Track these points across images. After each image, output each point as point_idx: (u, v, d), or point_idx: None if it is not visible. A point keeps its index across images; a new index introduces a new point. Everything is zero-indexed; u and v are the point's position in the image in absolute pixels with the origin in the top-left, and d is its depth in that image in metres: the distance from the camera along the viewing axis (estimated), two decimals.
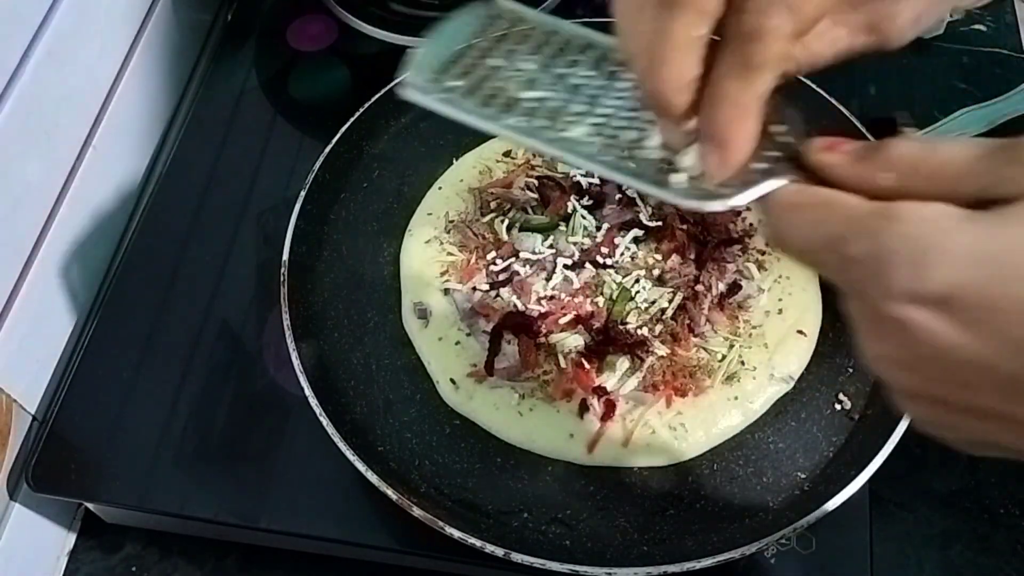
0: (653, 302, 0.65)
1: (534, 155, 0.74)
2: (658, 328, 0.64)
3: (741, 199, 0.37)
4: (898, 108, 0.82)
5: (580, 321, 0.64)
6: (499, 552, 0.54)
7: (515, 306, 0.65)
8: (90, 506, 0.68)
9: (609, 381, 0.63)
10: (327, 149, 0.71)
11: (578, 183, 0.71)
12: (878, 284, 0.32)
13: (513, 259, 0.67)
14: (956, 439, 0.35)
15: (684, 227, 0.68)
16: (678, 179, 0.38)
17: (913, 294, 0.31)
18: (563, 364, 0.63)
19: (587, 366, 0.63)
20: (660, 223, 0.68)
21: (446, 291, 0.68)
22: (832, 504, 0.55)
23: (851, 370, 0.64)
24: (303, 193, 0.69)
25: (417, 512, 0.55)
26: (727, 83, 0.36)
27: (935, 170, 0.33)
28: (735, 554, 0.54)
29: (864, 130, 0.69)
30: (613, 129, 0.41)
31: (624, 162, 0.40)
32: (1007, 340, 0.30)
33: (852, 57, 0.40)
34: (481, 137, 0.76)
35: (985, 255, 0.30)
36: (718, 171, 0.37)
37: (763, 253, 0.69)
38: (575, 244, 0.68)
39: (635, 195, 0.70)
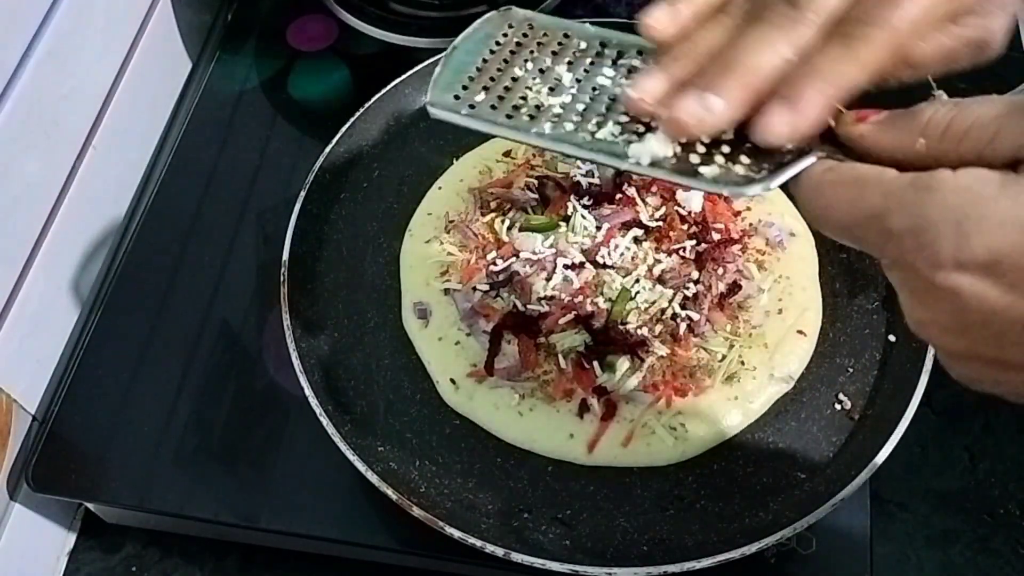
0: (653, 302, 0.65)
1: (534, 155, 0.74)
2: (658, 328, 0.64)
3: (776, 181, 0.37)
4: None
5: (580, 321, 0.64)
6: (499, 552, 0.54)
7: (515, 306, 0.65)
8: (90, 506, 0.68)
9: (609, 381, 0.63)
10: (327, 149, 0.71)
11: (578, 183, 0.71)
12: (923, 255, 0.32)
13: (513, 259, 0.67)
14: (1005, 392, 0.36)
15: (684, 227, 0.68)
16: (710, 170, 0.38)
17: (959, 262, 0.32)
18: (563, 364, 0.63)
19: (587, 366, 0.63)
20: (660, 223, 0.68)
21: (446, 291, 0.68)
22: (832, 504, 0.55)
23: (851, 370, 0.64)
24: (303, 193, 0.69)
25: (417, 512, 0.55)
26: (827, 61, 0.36)
27: (966, 132, 0.33)
28: (735, 554, 0.54)
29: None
30: (639, 125, 0.41)
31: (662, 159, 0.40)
32: None
33: (953, 69, 0.40)
34: (481, 137, 0.76)
35: None
36: (783, 132, 0.36)
37: (763, 253, 0.69)
38: (575, 244, 0.68)
39: (635, 195, 0.70)
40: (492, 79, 0.44)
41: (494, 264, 0.67)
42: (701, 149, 0.39)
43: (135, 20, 0.80)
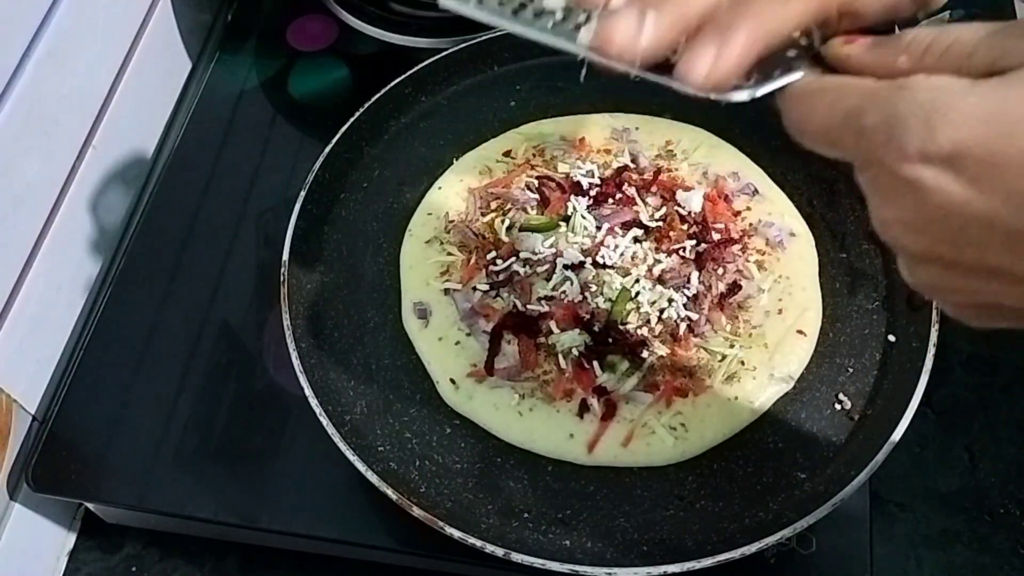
0: (653, 302, 0.65)
1: (534, 155, 0.74)
2: (658, 328, 0.64)
3: (762, 90, 0.38)
4: None
5: (580, 321, 0.64)
6: (499, 552, 0.54)
7: (515, 306, 0.65)
8: (90, 506, 0.68)
9: (609, 381, 0.63)
10: (327, 149, 0.71)
11: (578, 183, 0.71)
12: (890, 148, 0.33)
13: (513, 259, 0.67)
14: (960, 304, 0.37)
15: (684, 227, 0.69)
16: None
17: (924, 154, 0.32)
18: (563, 364, 0.63)
19: (587, 366, 0.63)
20: (660, 223, 0.68)
21: (446, 291, 0.68)
22: (832, 504, 0.55)
23: (851, 370, 0.64)
24: (303, 193, 0.69)
25: (417, 512, 0.55)
26: (759, 4, 0.37)
27: (947, 49, 0.35)
28: (735, 554, 0.54)
29: None
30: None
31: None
32: (1012, 193, 0.32)
33: (897, 19, 0.41)
34: (481, 137, 0.76)
35: (990, 113, 0.32)
36: (704, 71, 0.37)
37: (763, 253, 0.69)
38: (575, 244, 0.68)
39: (635, 194, 0.70)
40: None
41: (494, 264, 0.67)
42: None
43: (135, 20, 0.80)
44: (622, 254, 0.67)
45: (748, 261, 0.68)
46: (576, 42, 0.40)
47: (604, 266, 0.66)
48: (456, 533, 0.55)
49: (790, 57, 0.39)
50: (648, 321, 0.64)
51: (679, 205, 0.69)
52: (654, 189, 0.70)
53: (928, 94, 0.33)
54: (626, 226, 0.68)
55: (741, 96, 0.39)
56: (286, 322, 0.63)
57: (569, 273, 0.66)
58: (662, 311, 0.64)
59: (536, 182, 0.72)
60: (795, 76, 0.38)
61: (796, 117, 0.38)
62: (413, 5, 0.88)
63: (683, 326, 0.64)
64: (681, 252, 0.67)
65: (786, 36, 0.38)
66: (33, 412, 0.68)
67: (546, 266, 0.67)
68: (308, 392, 0.60)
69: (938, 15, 0.43)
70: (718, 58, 0.37)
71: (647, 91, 0.78)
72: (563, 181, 0.71)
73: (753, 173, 0.73)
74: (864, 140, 0.34)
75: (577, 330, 0.64)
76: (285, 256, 0.66)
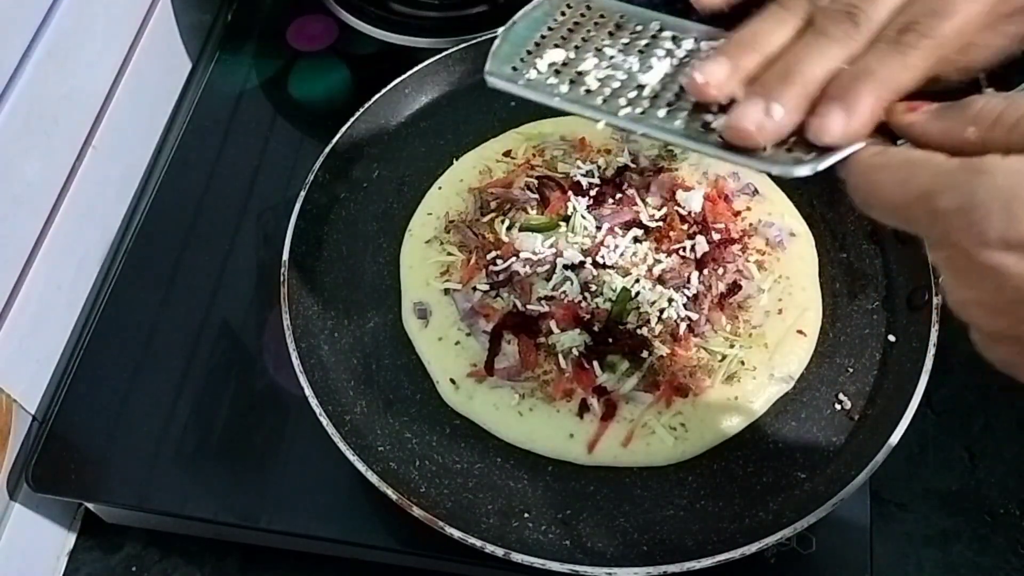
0: (653, 302, 0.65)
1: (534, 155, 0.74)
2: (658, 328, 0.64)
3: (824, 163, 0.39)
4: None
5: (580, 321, 0.64)
6: (499, 552, 0.54)
7: (515, 306, 0.65)
8: (90, 506, 0.68)
9: (609, 381, 0.63)
10: (327, 149, 0.71)
11: (578, 183, 0.71)
12: (970, 234, 0.33)
13: (513, 259, 0.67)
14: None
15: (684, 227, 0.68)
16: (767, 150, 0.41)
17: (1005, 241, 0.33)
18: (563, 364, 0.63)
19: (587, 366, 0.63)
20: (660, 223, 0.68)
21: (446, 291, 0.68)
22: (832, 504, 0.55)
23: (851, 370, 0.64)
24: (303, 193, 0.69)
25: (417, 512, 0.55)
26: (880, 66, 0.38)
27: (1018, 122, 0.35)
28: (735, 554, 0.54)
29: None
30: (690, 104, 0.43)
31: (709, 135, 0.42)
32: None
33: (1007, 63, 0.42)
34: (481, 137, 0.76)
35: None
36: (838, 133, 0.39)
37: (763, 253, 0.69)
38: (575, 244, 0.68)
39: (635, 194, 0.70)
40: (548, 55, 0.46)
41: (494, 264, 0.67)
42: None
43: (135, 20, 0.80)
44: (622, 254, 0.67)
45: (748, 261, 0.68)
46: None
47: (604, 266, 0.66)
48: (456, 533, 0.55)
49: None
50: (648, 321, 0.64)
51: (679, 205, 0.69)
52: (654, 189, 0.70)
53: (1007, 179, 0.33)
54: (626, 226, 0.68)
55: (803, 171, 0.39)
56: (286, 322, 0.63)
57: (569, 273, 0.66)
58: (662, 311, 0.64)
59: (536, 182, 0.72)
60: (857, 146, 0.39)
61: (863, 190, 0.38)
62: (413, 5, 0.88)
63: (683, 326, 0.64)
64: (681, 252, 0.67)
65: (909, 91, 0.39)
66: (33, 412, 0.68)
67: (546, 266, 0.67)
68: (308, 392, 0.60)
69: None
70: (848, 122, 0.38)
71: None
72: (563, 181, 0.71)
73: (753, 173, 0.73)
74: (939, 223, 0.34)
75: (577, 330, 0.64)
76: (285, 256, 0.66)
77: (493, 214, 0.71)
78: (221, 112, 0.85)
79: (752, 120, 0.39)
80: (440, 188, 0.74)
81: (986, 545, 0.68)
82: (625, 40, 0.46)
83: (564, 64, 0.45)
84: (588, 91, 0.44)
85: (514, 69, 0.46)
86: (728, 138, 0.41)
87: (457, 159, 0.75)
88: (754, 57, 0.41)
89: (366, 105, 0.73)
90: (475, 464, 0.62)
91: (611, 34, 0.46)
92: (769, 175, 0.44)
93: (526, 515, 0.59)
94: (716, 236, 0.68)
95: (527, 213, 0.70)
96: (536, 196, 0.71)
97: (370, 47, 0.87)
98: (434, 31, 0.85)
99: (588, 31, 0.47)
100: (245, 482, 0.65)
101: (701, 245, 0.67)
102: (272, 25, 0.91)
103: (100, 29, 0.74)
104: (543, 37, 0.47)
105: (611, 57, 0.45)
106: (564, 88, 0.44)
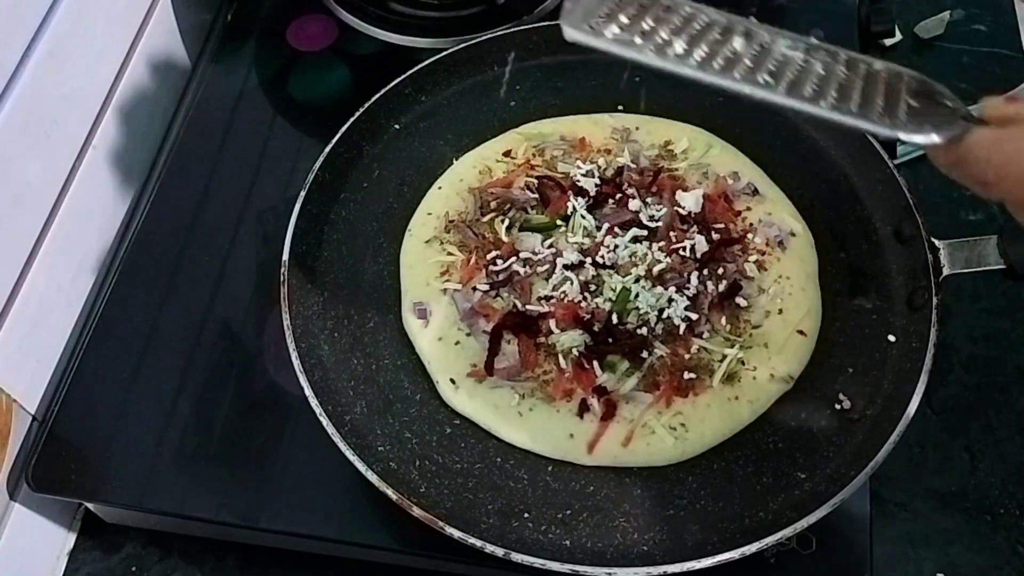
0: (653, 302, 0.65)
1: (534, 155, 0.74)
2: (658, 328, 0.64)
3: (948, 133, 0.41)
4: None
5: (580, 321, 0.64)
6: (499, 552, 0.54)
7: (515, 306, 0.65)
8: (90, 506, 0.68)
9: (609, 381, 0.63)
10: (327, 149, 0.71)
11: (578, 183, 0.71)
12: None
13: (513, 259, 0.67)
14: None
15: (684, 227, 0.68)
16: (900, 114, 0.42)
17: None
18: (563, 364, 0.63)
19: (587, 366, 0.63)
20: (660, 223, 0.68)
21: (446, 291, 0.68)
22: (832, 504, 0.55)
23: (851, 370, 0.64)
24: (303, 193, 0.69)
25: (417, 512, 0.55)
26: None
27: None
28: (735, 554, 0.54)
29: None
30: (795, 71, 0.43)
31: (820, 100, 0.42)
32: None
33: None
34: (481, 137, 0.76)
35: None
36: None
37: (763, 253, 0.69)
38: (575, 244, 0.68)
39: (635, 194, 0.70)
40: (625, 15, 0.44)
41: (494, 264, 0.67)
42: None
43: (135, 20, 0.80)
44: (622, 254, 0.67)
45: (748, 261, 0.68)
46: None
47: (604, 266, 0.66)
48: (456, 533, 0.55)
49: (947, 115, 0.42)
50: (648, 321, 0.64)
51: (679, 205, 0.69)
52: (654, 189, 0.70)
53: None
54: (626, 226, 0.68)
55: (922, 137, 0.42)
56: (286, 322, 0.63)
57: (569, 273, 0.66)
58: (662, 311, 0.64)
59: (536, 182, 0.72)
60: (966, 125, 0.41)
61: (979, 161, 0.41)
62: (413, 5, 0.88)
63: (683, 326, 0.64)
64: (681, 252, 0.67)
65: None
66: (33, 412, 0.68)
67: (546, 266, 0.67)
68: (308, 392, 0.60)
69: None
70: None
71: (647, 91, 0.79)
72: (563, 181, 0.71)
73: (753, 173, 0.73)
74: None
75: (577, 330, 0.64)
76: (285, 256, 0.66)
77: (493, 214, 0.71)
78: (221, 112, 0.84)
79: None
80: (440, 188, 0.74)
81: (986, 545, 0.68)
82: (694, 30, 0.44)
83: (643, 32, 0.43)
84: (678, 55, 0.42)
85: (590, 27, 0.43)
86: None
87: (457, 159, 0.75)
88: None
89: (366, 105, 0.73)
90: (475, 464, 0.62)
91: (679, 23, 0.44)
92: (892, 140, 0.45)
93: (526, 515, 0.59)
94: (716, 236, 0.68)
95: (527, 213, 0.70)
96: (536, 196, 0.71)
97: (370, 47, 0.87)
98: (434, 31, 0.85)
99: (657, 14, 0.44)
100: (245, 482, 0.65)
101: (701, 245, 0.67)
102: (272, 25, 0.91)
103: (100, 29, 0.74)
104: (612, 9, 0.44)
105: (691, 30, 0.43)
106: (651, 50, 0.42)
